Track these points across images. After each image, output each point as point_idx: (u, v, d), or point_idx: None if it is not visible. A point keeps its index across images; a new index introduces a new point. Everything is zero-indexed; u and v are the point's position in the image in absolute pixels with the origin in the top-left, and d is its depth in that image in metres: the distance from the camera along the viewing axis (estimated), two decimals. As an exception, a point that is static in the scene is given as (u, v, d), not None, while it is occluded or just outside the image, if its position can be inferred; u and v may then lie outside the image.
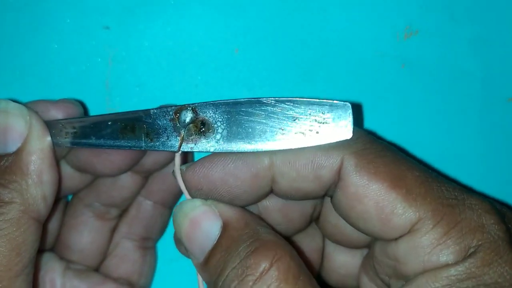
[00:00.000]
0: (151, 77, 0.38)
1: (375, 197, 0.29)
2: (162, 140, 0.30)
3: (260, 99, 0.29)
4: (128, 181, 0.36)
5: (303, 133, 0.29)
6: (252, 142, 0.30)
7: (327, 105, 0.29)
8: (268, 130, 0.30)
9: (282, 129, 0.29)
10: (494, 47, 0.39)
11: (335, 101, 0.29)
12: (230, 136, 0.30)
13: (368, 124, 0.39)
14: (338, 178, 0.30)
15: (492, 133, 0.40)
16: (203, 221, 0.29)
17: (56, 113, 0.32)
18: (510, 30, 0.39)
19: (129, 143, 0.31)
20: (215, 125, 0.30)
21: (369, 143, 0.31)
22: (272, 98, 0.30)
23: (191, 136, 0.30)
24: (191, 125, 0.30)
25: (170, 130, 0.30)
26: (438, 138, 0.39)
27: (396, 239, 0.29)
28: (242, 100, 0.30)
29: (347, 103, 0.29)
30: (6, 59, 0.38)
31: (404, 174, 0.30)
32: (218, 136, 0.30)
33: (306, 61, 0.38)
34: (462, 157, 0.40)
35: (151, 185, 0.37)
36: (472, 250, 0.27)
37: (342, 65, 0.39)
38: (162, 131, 0.30)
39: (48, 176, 0.30)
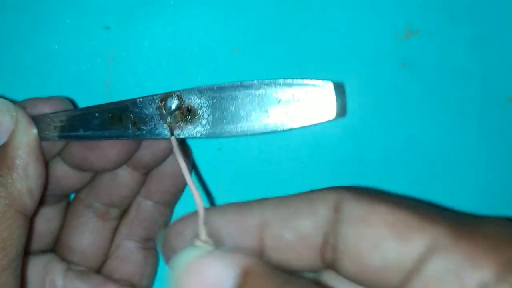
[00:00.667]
0: (151, 77, 0.38)
1: (383, 216, 0.25)
2: (149, 128, 0.30)
3: (244, 83, 0.29)
4: (126, 178, 0.35)
5: (287, 114, 0.29)
6: (238, 126, 0.29)
7: (309, 86, 0.29)
8: (253, 113, 0.29)
9: (267, 112, 0.29)
10: (494, 47, 0.38)
11: (317, 81, 0.29)
12: (216, 121, 0.29)
13: (368, 124, 0.38)
14: (336, 213, 0.27)
15: (492, 134, 0.39)
16: (209, 269, 0.22)
17: (44, 109, 0.32)
18: (511, 30, 0.38)
19: (117, 132, 0.30)
20: (201, 111, 0.30)
21: (355, 187, 0.28)
22: (256, 81, 0.29)
23: (178, 123, 0.30)
24: (177, 112, 0.30)
25: (156, 118, 0.30)
26: (437, 138, 0.39)
27: (416, 269, 0.24)
28: (226, 84, 0.29)
29: (329, 82, 0.29)
30: (6, 59, 0.37)
31: (406, 203, 0.26)
32: (204, 122, 0.30)
33: (306, 61, 0.38)
34: (461, 157, 0.39)
35: (150, 185, 0.36)
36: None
37: (341, 65, 0.38)
38: (148, 120, 0.30)
39: (34, 170, 0.30)
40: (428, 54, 0.38)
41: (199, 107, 0.30)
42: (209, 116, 0.30)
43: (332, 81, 0.29)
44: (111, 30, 0.37)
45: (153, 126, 0.30)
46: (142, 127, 0.30)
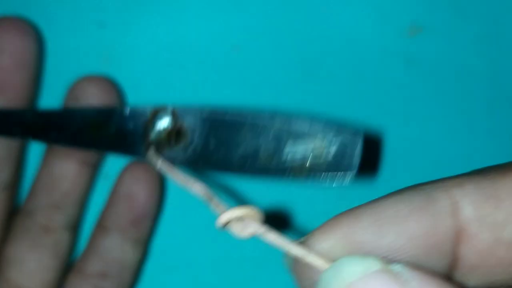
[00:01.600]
0: (148, 76, 0.36)
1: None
2: (128, 144, 0.25)
3: (255, 114, 0.23)
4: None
5: (293, 162, 0.22)
6: (231, 165, 0.24)
7: (333, 130, 0.22)
8: (252, 153, 0.23)
9: (271, 156, 0.23)
10: (501, 44, 0.38)
11: (345, 128, 0.22)
12: (205, 153, 0.24)
13: (372, 122, 0.38)
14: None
15: (499, 133, 0.39)
16: None
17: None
18: (518, 27, 0.38)
19: (92, 142, 0.26)
20: (191, 136, 0.24)
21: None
22: (268, 114, 0.23)
23: (161, 143, 0.25)
24: (164, 131, 0.25)
25: (139, 134, 0.25)
26: (443, 137, 0.38)
27: None
28: (233, 110, 0.24)
29: (359, 133, 0.22)
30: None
31: None
32: (189, 151, 0.24)
33: (309, 59, 0.37)
34: (468, 157, 0.38)
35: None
36: None
37: (345, 63, 0.37)
38: (130, 134, 0.25)
39: None
40: (434, 52, 0.38)
41: (191, 131, 0.24)
42: (199, 145, 0.24)
43: (367, 132, 0.23)
44: (107, 28, 0.36)
45: (133, 142, 0.25)
46: (122, 142, 0.26)
